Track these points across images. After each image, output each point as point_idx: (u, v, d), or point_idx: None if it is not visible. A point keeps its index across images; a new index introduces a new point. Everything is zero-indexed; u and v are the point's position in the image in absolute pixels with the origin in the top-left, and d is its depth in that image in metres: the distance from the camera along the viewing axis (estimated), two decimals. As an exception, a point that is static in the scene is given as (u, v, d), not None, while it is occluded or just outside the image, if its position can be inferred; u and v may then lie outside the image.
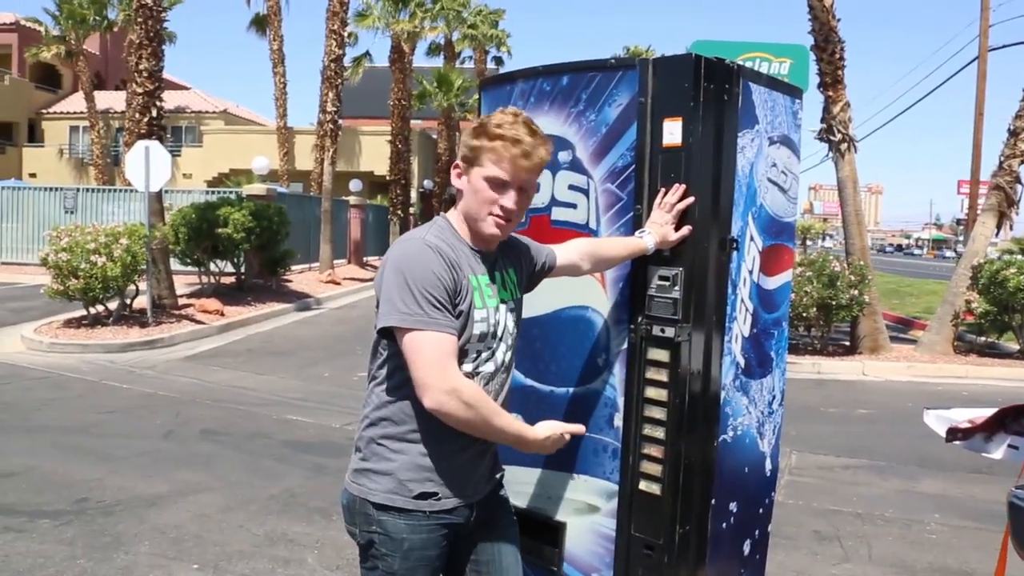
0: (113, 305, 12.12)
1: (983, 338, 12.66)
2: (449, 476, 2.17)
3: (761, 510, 3.44)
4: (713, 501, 3.07)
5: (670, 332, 2.78)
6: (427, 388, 2.00)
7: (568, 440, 2.33)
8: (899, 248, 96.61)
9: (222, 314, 13.33)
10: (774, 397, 3.35)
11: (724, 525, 3.17)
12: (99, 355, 10.48)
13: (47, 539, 4.59)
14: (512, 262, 2.34)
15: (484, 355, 2.18)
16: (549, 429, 2.24)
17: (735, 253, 2.96)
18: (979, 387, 10.42)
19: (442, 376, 1.99)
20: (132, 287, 12.12)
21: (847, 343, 12.33)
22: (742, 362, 3.10)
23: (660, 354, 2.81)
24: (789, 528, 5.09)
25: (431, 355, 1.99)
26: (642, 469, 2.87)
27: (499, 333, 2.23)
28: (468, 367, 2.14)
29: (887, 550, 4.86)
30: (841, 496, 5.84)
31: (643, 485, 2.84)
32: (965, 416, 3.49)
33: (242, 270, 16.11)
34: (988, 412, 3.41)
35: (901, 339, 13.60)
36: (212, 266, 15.66)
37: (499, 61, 40.07)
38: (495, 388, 2.26)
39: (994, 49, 19.98)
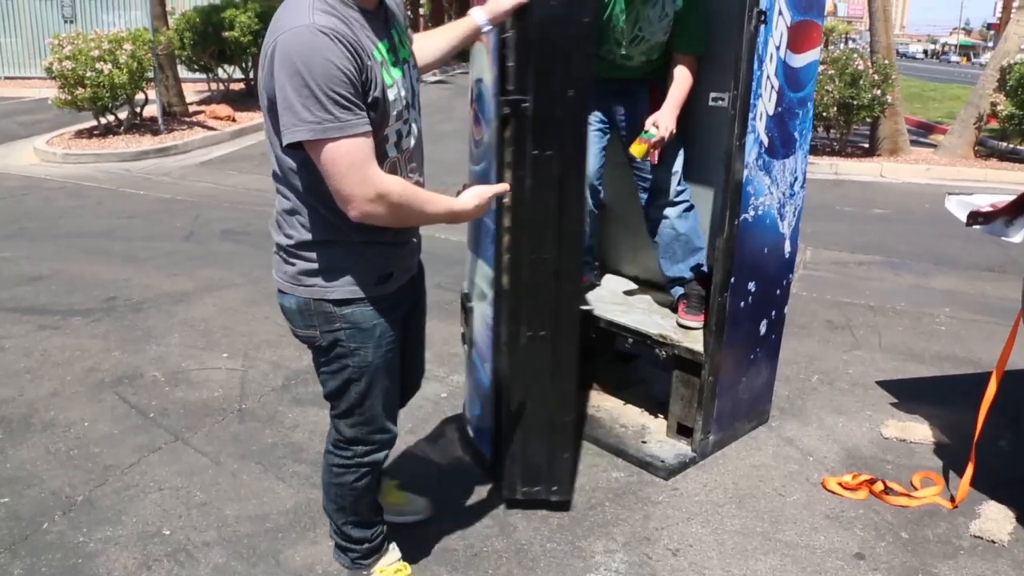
0: (123, 114, 11.96)
1: (1005, 143, 12.38)
2: (397, 256, 2.17)
3: (779, 291, 3.50)
4: (732, 279, 3.12)
5: None
6: (351, 200, 1.87)
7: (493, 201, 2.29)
8: (927, 54, 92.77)
9: (233, 120, 13.16)
10: (796, 179, 3.34)
11: (743, 304, 3.24)
12: (114, 164, 10.45)
13: (82, 334, 4.74)
14: (393, 12, 2.11)
15: (403, 130, 2.07)
16: (476, 197, 2.18)
17: (763, 27, 2.86)
18: (997, 190, 10.21)
19: (364, 184, 1.86)
20: (141, 95, 11.91)
21: (866, 145, 12.13)
22: (766, 141, 3.06)
23: None
24: (802, 317, 5.20)
25: (348, 164, 1.83)
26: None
27: (412, 100, 2.10)
28: (393, 152, 2.04)
29: (897, 339, 4.98)
30: (854, 289, 5.93)
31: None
32: (987, 201, 3.47)
33: (251, 75, 15.76)
34: (1010, 197, 3.39)
35: (921, 143, 13.37)
36: (220, 72, 15.31)
37: None
38: (418, 159, 2.19)
39: None
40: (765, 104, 2.99)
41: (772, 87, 3.01)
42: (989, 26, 57.89)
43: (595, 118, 3.55)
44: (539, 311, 2.70)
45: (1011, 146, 12.37)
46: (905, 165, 11.31)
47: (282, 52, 1.80)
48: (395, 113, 2.00)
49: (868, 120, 11.57)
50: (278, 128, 1.88)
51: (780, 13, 2.96)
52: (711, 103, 3.15)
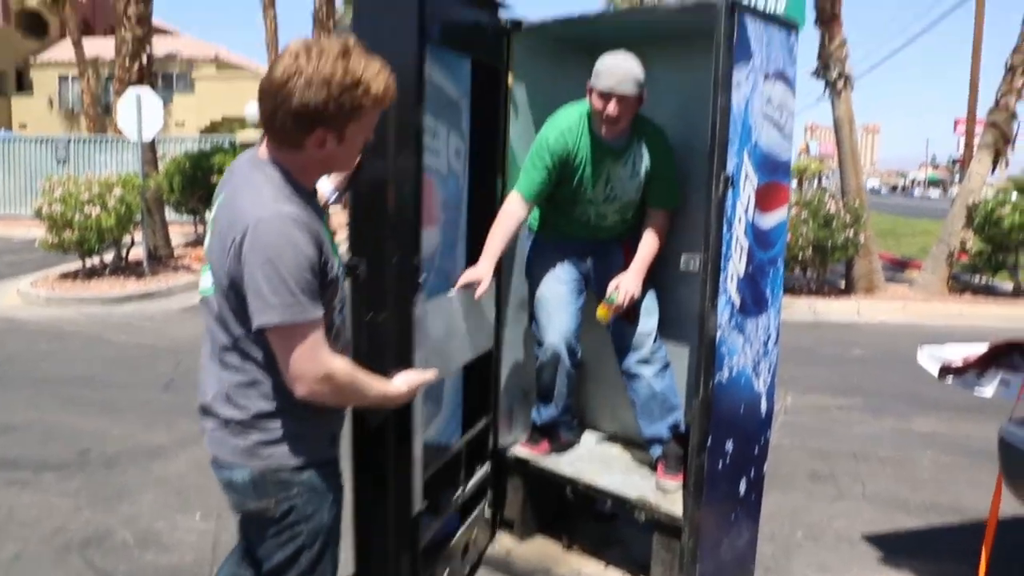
0: (109, 257, 12.09)
1: (978, 277, 12.66)
2: (339, 417, 2.24)
3: (757, 449, 3.48)
4: (709, 440, 3.10)
5: None
6: (301, 378, 1.95)
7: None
8: (894, 189, 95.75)
9: (218, 264, 13.28)
10: (769, 336, 3.37)
11: (721, 465, 3.21)
12: (97, 307, 10.47)
13: (52, 491, 4.63)
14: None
15: (343, 298, 2.19)
16: (406, 382, 2.28)
17: (730, 191, 2.95)
18: (973, 326, 10.41)
19: (314, 364, 1.94)
20: (127, 238, 12.07)
21: (843, 284, 12.34)
22: (737, 301, 3.11)
23: None
24: (785, 467, 5.15)
25: (304, 346, 1.92)
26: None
27: (341, 275, 2.19)
28: (338, 320, 2.13)
29: (881, 487, 4.93)
30: (836, 436, 5.90)
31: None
32: (959, 353, 3.51)
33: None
34: (981, 349, 3.43)
35: (897, 279, 13.61)
36: (207, 214, 15.57)
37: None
38: (348, 328, 2.30)
39: (993, -16, 19.63)
40: (736, 265, 3.05)
41: (742, 248, 3.08)
42: (954, 161, 60.05)
43: (571, 277, 3.61)
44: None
45: (984, 280, 12.63)
46: (882, 303, 11.47)
47: (255, 241, 1.86)
48: (339, 286, 2.11)
49: (843, 260, 11.80)
50: (236, 308, 1.96)
51: (747, 176, 3.06)
52: (682, 266, 3.23)
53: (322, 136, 1.93)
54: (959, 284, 12.73)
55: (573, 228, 3.58)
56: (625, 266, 3.49)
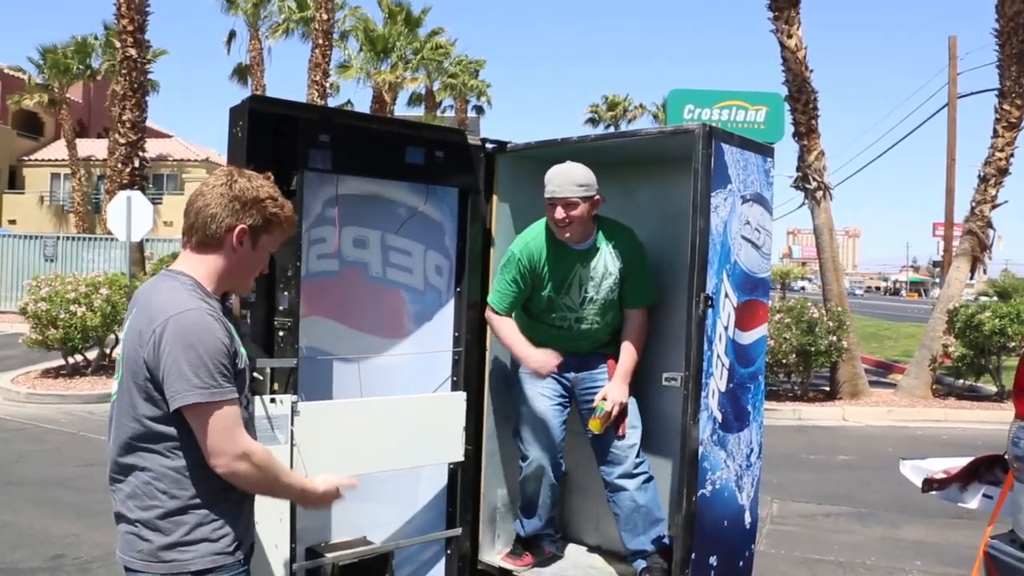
0: (92, 355, 12.04)
1: (961, 381, 12.75)
2: (244, 521, 2.23)
3: (741, 563, 3.46)
4: (693, 555, 3.10)
5: None
6: (220, 455, 2.02)
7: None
8: (869, 289, 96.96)
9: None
10: (752, 450, 3.40)
11: (704, 580, 3.19)
12: (77, 406, 10.38)
13: (23, 599, 4.52)
14: None
15: (248, 395, 2.30)
16: (324, 482, 2.31)
17: (710, 310, 3.03)
18: (958, 430, 10.47)
19: (233, 442, 2.04)
20: (112, 336, 12.06)
21: (827, 388, 12.38)
22: (719, 417, 3.15)
23: None
24: (771, 578, 5.09)
25: (224, 424, 2.02)
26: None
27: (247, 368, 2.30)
28: (244, 414, 2.20)
29: (869, 599, 4.87)
30: (823, 544, 5.84)
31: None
32: (940, 466, 3.54)
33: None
34: (963, 462, 3.46)
35: (881, 383, 13.67)
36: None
37: (480, 110, 40.58)
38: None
39: (963, 96, 20.36)
40: (717, 382, 3.11)
41: (723, 365, 3.14)
42: (935, 263, 61.14)
43: (554, 393, 3.65)
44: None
45: (967, 383, 12.71)
46: (866, 408, 11.51)
47: (177, 330, 2.00)
48: (247, 378, 2.24)
49: (827, 365, 11.88)
50: (148, 398, 2.04)
51: (726, 295, 3.14)
52: (664, 383, 3.28)
53: (241, 234, 2.13)
54: (943, 388, 12.80)
55: (555, 336, 3.64)
56: (611, 377, 3.55)
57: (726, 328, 3.15)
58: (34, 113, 38.93)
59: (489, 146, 3.68)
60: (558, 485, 3.70)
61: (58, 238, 21.60)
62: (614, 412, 3.46)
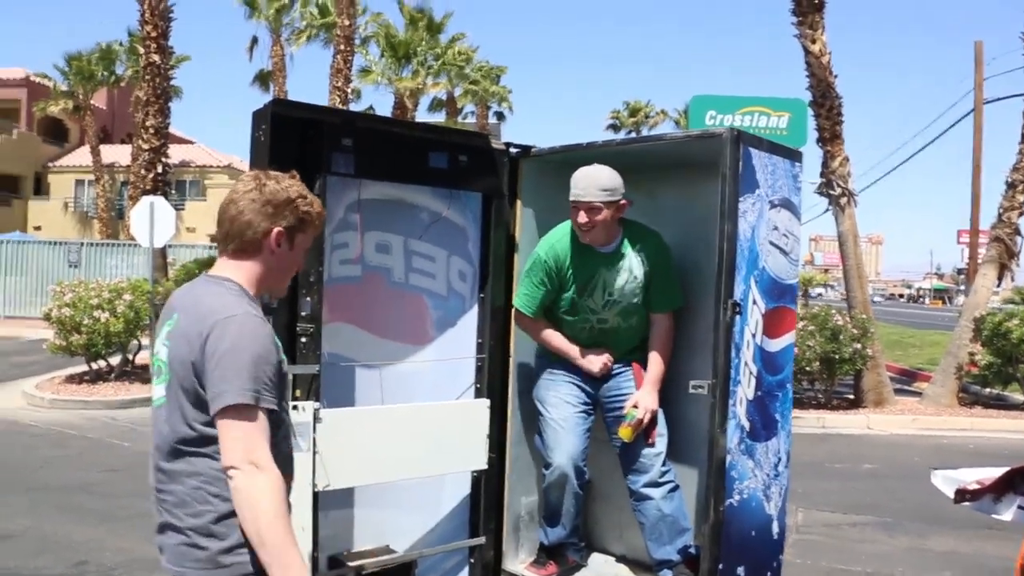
0: (115, 360, 12.11)
1: (988, 390, 12.60)
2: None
3: (769, 574, 3.41)
4: (720, 566, 3.05)
5: None
6: (241, 461, 1.95)
7: None
8: (883, 297, 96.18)
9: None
10: (780, 459, 3.34)
11: (732, 591, 3.14)
12: (100, 411, 10.43)
13: (45, 604, 4.52)
14: None
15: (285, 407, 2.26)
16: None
17: (738, 317, 2.98)
18: (985, 439, 10.33)
19: (256, 451, 1.96)
20: (135, 342, 12.12)
21: (851, 396, 12.25)
22: (747, 425, 3.10)
23: None
24: (797, 589, 5.02)
25: (253, 431, 1.97)
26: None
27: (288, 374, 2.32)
28: (287, 419, 2.23)
29: (897, 611, 4.78)
30: (849, 554, 5.76)
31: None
32: (973, 476, 3.45)
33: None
34: (997, 472, 3.38)
35: (905, 391, 13.52)
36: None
37: (500, 116, 40.61)
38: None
39: (989, 102, 20.18)
40: (744, 390, 3.06)
41: (750, 373, 3.09)
42: (959, 271, 60.54)
43: (578, 400, 3.61)
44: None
45: (994, 392, 12.53)
46: (891, 416, 11.37)
47: (224, 332, 1.98)
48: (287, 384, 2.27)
49: (851, 373, 11.76)
50: (195, 403, 2.01)
51: (754, 302, 3.09)
52: (691, 390, 3.23)
53: (279, 236, 2.13)
54: (969, 396, 12.64)
55: (579, 339, 3.61)
56: (637, 386, 3.52)
57: (754, 335, 3.10)
58: (59, 120, 39.41)
59: (513, 150, 3.65)
60: (582, 493, 3.66)
61: (82, 244, 21.79)
62: (645, 419, 3.42)
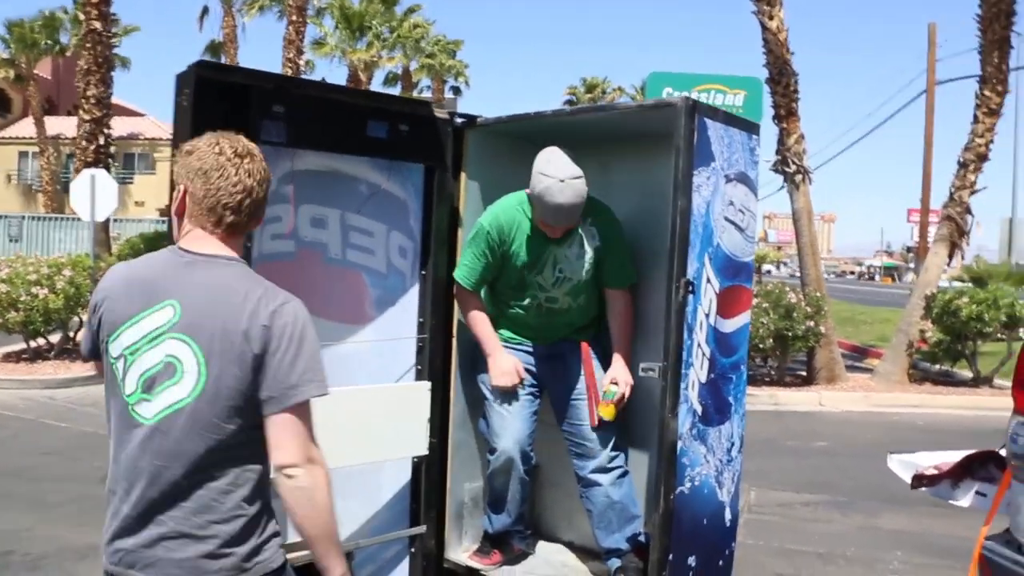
0: (55, 338, 11.72)
1: (938, 366, 12.76)
2: None
3: (721, 562, 3.30)
4: (671, 556, 2.92)
5: None
6: (308, 457, 1.85)
7: None
8: (845, 275, 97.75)
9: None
10: (733, 444, 3.23)
11: (682, 581, 3.02)
12: (39, 391, 10.07)
13: (-34, 597, 4.29)
14: None
15: None
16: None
17: (691, 296, 2.84)
18: (934, 415, 10.45)
19: (313, 446, 1.88)
20: (75, 319, 11.74)
21: (804, 373, 12.32)
22: (699, 409, 2.97)
23: None
24: (750, 570, 4.94)
25: (311, 424, 1.89)
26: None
27: None
28: None
29: (849, 593, 4.74)
30: (802, 534, 5.72)
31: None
32: (930, 461, 3.38)
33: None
34: (954, 457, 3.31)
35: (857, 368, 13.63)
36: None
37: (457, 91, 40.22)
38: None
39: (942, 83, 20.40)
40: (697, 372, 2.92)
41: (703, 355, 2.96)
42: (908, 249, 61.53)
43: (525, 382, 3.45)
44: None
45: (943, 368, 12.70)
46: (843, 393, 11.45)
47: (292, 319, 1.86)
48: None
49: (804, 350, 11.81)
50: (249, 399, 1.83)
51: (708, 281, 2.96)
52: (641, 374, 3.09)
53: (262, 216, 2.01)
54: (919, 373, 12.78)
55: (522, 317, 3.45)
56: (584, 364, 3.38)
57: (707, 315, 2.96)
58: (1, 89, 38.21)
59: (458, 120, 3.46)
60: (528, 479, 3.51)
61: (23, 218, 21.18)
62: (627, 394, 3.28)
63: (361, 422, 3.13)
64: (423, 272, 3.45)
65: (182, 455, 1.85)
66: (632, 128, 3.44)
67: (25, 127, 38.12)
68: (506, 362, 3.38)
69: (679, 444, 2.87)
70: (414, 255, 3.44)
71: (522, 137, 3.43)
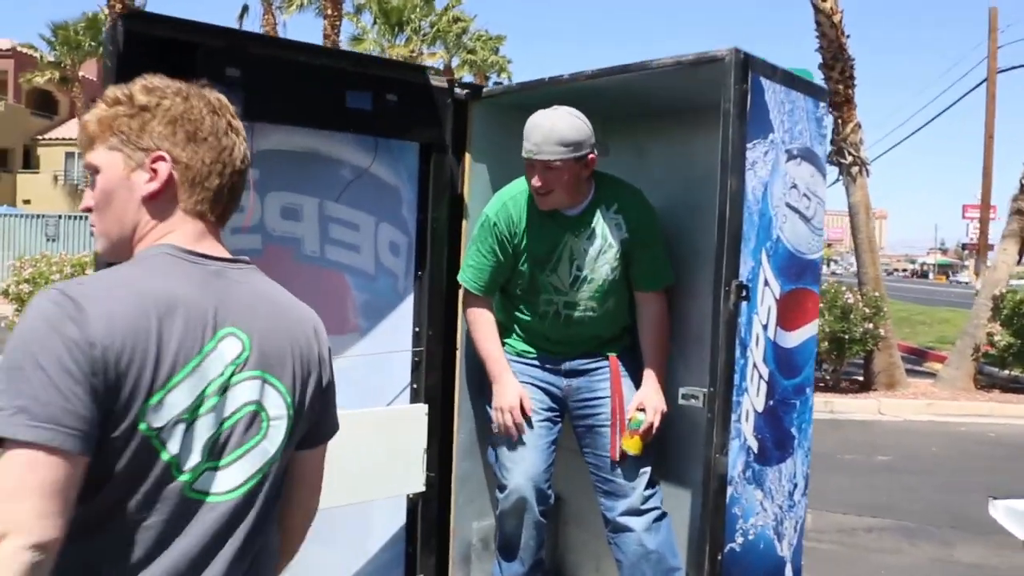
0: (79, 339, 11.51)
1: (1007, 372, 12.04)
2: None
3: (781, 629, 2.70)
4: (718, 631, 2.33)
5: None
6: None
7: None
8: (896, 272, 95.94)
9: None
10: (796, 485, 2.62)
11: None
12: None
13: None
14: None
15: None
16: None
17: (744, 304, 2.24)
18: (1006, 426, 9.80)
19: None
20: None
21: (861, 378, 11.67)
22: (755, 446, 2.37)
23: None
24: (810, 614, 4.34)
25: None
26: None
27: None
28: None
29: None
30: (866, 567, 5.13)
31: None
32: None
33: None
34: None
35: (916, 372, 12.94)
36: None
37: (499, 87, 39.82)
38: None
39: (1003, 71, 19.45)
40: (752, 400, 2.33)
41: (760, 377, 2.37)
42: (963, 246, 59.90)
43: (541, 405, 2.89)
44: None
45: (1012, 373, 11.98)
46: (904, 401, 10.79)
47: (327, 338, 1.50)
48: None
49: (861, 354, 11.14)
50: (327, 424, 1.52)
51: (766, 283, 2.36)
52: (681, 401, 2.50)
53: None
54: (986, 379, 12.06)
55: (538, 326, 2.89)
56: (613, 382, 2.80)
57: (765, 327, 2.37)
58: (48, 91, 38.96)
59: (459, 90, 2.90)
60: (544, 521, 2.93)
61: (60, 217, 21.20)
62: (656, 424, 2.70)
63: (344, 454, 2.57)
64: (419, 273, 2.89)
65: (266, 515, 1.37)
66: (669, 94, 2.84)
67: (71, 128, 38.64)
68: (509, 394, 2.81)
69: (729, 490, 2.28)
70: (408, 252, 2.89)
71: (535, 109, 2.86)
